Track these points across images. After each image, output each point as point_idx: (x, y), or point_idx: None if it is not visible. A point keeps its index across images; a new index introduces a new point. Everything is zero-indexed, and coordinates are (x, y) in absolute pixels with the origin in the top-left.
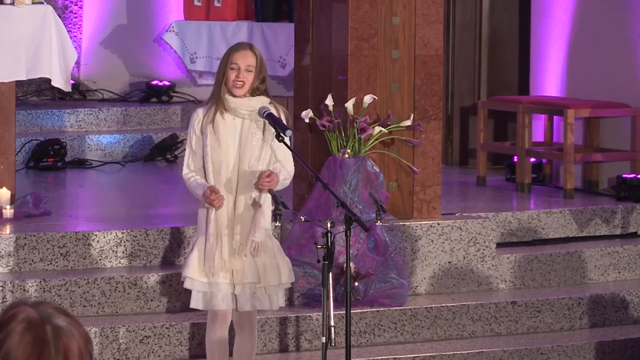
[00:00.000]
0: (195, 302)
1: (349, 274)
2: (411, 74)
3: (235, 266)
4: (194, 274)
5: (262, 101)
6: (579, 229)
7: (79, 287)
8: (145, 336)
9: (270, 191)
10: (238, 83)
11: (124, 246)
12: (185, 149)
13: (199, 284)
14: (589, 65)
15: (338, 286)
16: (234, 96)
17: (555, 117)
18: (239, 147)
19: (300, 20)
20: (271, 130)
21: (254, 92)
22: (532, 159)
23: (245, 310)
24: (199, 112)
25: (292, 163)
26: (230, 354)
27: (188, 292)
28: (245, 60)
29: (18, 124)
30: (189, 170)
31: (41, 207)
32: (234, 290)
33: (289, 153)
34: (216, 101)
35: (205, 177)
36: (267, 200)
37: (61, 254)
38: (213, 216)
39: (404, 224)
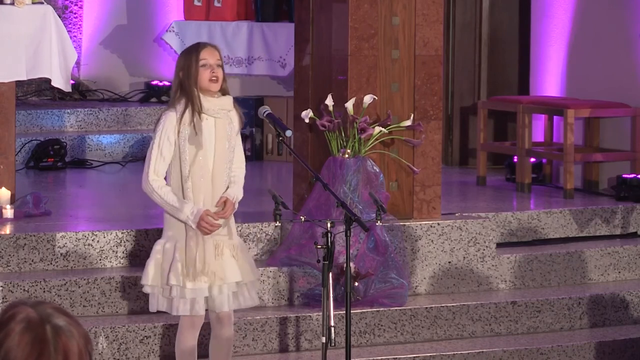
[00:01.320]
0: (183, 309)
1: (349, 274)
2: (411, 74)
3: (215, 268)
4: (180, 281)
5: (230, 100)
6: (579, 229)
7: (79, 287)
8: (145, 336)
9: (269, 191)
10: (214, 78)
11: (124, 246)
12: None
13: (185, 292)
14: (589, 65)
15: (338, 286)
16: (210, 93)
17: (555, 117)
18: (214, 148)
19: (300, 20)
20: (236, 129)
21: (221, 91)
22: (532, 159)
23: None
24: (172, 116)
25: (244, 161)
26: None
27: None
28: (213, 56)
29: (18, 124)
30: (157, 176)
31: (41, 207)
32: (211, 292)
33: (242, 151)
34: (189, 103)
35: (181, 182)
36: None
37: (61, 254)
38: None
39: (404, 224)
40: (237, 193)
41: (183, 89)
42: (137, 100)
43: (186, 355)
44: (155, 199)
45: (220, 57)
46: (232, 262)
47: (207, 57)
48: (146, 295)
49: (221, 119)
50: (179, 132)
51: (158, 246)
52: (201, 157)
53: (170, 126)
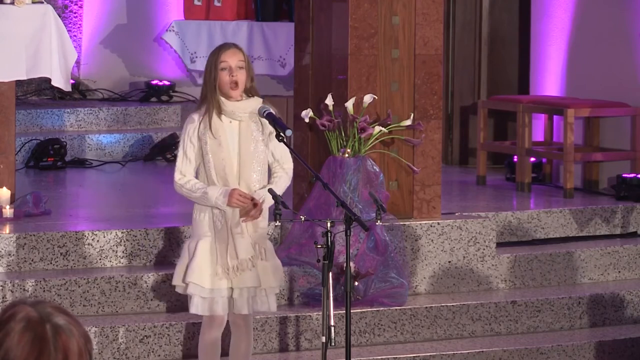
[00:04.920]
0: (195, 308)
1: (349, 274)
2: (411, 73)
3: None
4: (199, 280)
5: (258, 102)
6: (579, 229)
7: (79, 286)
8: (145, 336)
9: (270, 191)
10: (233, 82)
11: (124, 246)
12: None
13: (203, 290)
14: (589, 65)
15: (338, 286)
16: (230, 97)
17: (555, 116)
18: (239, 150)
19: (300, 20)
20: (268, 130)
21: (247, 92)
22: (532, 159)
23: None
24: (195, 119)
25: (291, 161)
26: (226, 354)
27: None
28: (234, 58)
29: (18, 124)
30: (182, 176)
31: (41, 207)
32: (232, 294)
33: (287, 151)
34: (211, 106)
35: (208, 184)
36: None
37: (61, 254)
38: (219, 219)
39: (404, 224)
40: (267, 194)
41: (205, 93)
42: (137, 99)
43: (207, 350)
44: (185, 195)
45: (245, 57)
46: (254, 267)
47: (228, 59)
48: (145, 295)
49: (245, 121)
50: (199, 136)
51: (185, 245)
52: (224, 160)
53: (192, 130)
